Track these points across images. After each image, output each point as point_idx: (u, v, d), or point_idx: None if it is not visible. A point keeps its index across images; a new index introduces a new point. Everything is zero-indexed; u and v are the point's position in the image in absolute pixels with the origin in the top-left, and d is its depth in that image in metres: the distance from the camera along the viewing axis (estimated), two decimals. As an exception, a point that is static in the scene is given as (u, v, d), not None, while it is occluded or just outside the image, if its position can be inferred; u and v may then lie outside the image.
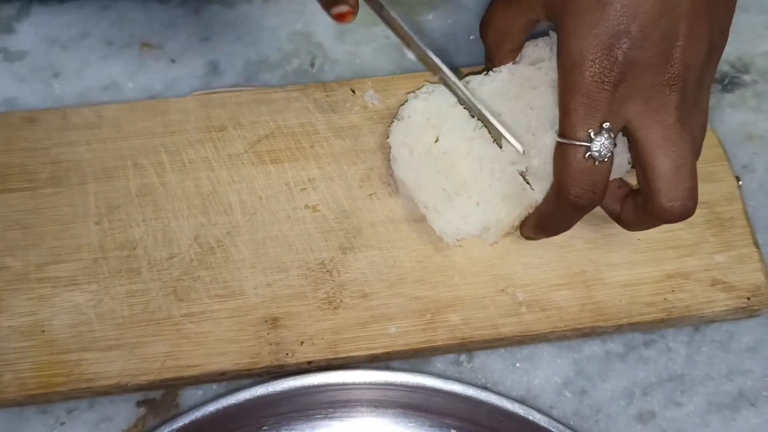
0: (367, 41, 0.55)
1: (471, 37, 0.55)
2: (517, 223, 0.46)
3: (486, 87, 0.47)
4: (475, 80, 0.47)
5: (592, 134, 0.40)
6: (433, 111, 0.47)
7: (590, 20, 0.39)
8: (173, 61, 0.54)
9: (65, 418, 0.44)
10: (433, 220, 0.45)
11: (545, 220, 0.43)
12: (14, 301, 0.45)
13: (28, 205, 0.47)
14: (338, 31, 0.55)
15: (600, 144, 0.40)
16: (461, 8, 0.56)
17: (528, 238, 0.46)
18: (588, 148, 0.40)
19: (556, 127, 0.42)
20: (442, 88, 0.47)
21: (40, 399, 0.43)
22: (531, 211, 0.45)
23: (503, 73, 0.47)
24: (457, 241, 0.45)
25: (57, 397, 0.43)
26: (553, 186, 0.42)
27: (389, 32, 0.56)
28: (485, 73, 0.47)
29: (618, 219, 0.44)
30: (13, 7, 0.56)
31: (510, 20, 0.45)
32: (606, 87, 0.39)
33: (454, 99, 0.47)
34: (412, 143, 0.46)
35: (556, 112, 0.42)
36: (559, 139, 0.41)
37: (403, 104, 0.48)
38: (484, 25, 0.47)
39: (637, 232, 0.46)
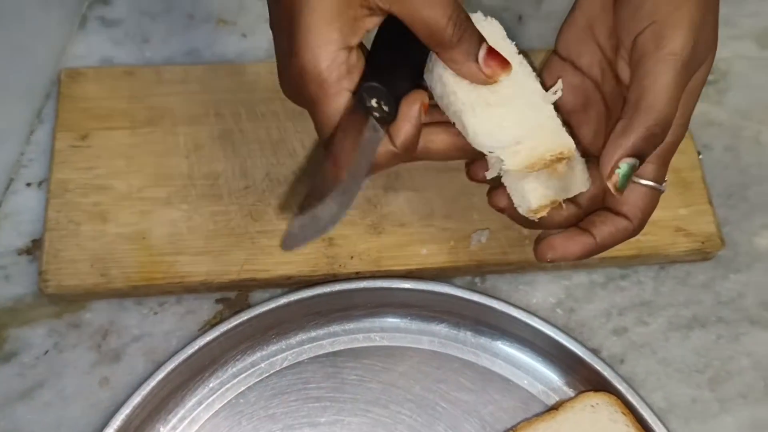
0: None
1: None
2: (547, 158, 0.44)
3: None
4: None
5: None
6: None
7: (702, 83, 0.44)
8: (244, 35, 0.65)
9: (157, 309, 0.55)
10: (467, 121, 0.43)
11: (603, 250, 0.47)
12: (120, 214, 0.55)
13: (129, 141, 0.58)
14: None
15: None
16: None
17: (551, 260, 0.46)
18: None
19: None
20: (493, 21, 0.45)
21: (140, 291, 0.54)
22: (564, 154, 0.44)
23: None
24: (489, 152, 0.44)
25: (153, 290, 0.54)
26: (625, 222, 0.46)
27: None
28: None
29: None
30: (109, -18, 0.67)
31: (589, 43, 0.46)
32: None
33: (503, 33, 0.45)
34: None
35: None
36: (659, 187, 0.46)
37: None
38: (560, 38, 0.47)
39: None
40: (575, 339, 0.53)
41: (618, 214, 0.46)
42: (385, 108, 0.41)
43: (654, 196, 0.46)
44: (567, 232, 0.47)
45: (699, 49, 0.43)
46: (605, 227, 0.46)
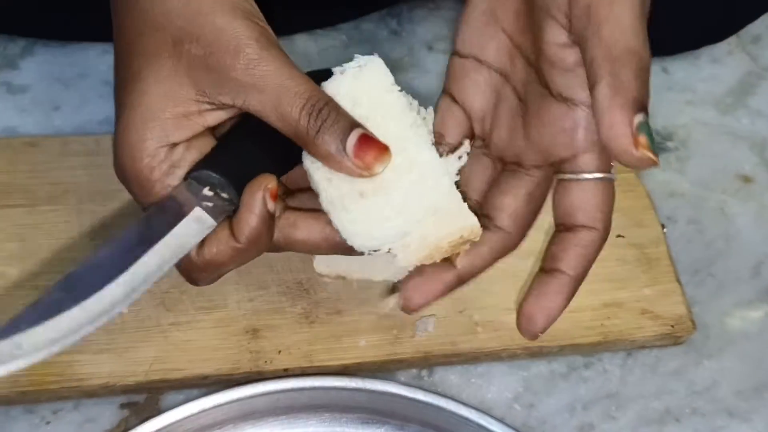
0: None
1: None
2: (445, 246, 0.38)
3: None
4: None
5: None
6: (361, 94, 0.38)
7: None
8: (166, 102, 0.60)
9: (51, 418, 0.47)
10: (338, 217, 0.37)
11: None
12: (10, 306, 0.47)
13: (26, 221, 0.51)
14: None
15: None
16: (425, 71, 0.64)
17: (543, 330, 0.40)
18: None
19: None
20: (376, 62, 0.38)
21: (30, 397, 0.46)
22: (465, 238, 0.38)
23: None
24: (368, 250, 0.38)
25: (45, 396, 0.46)
26: (588, 234, 0.39)
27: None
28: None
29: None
30: (18, 45, 0.61)
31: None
32: None
33: (390, 79, 0.38)
34: None
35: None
36: (609, 176, 0.39)
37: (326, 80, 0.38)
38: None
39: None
40: (536, 441, 0.47)
41: (576, 228, 0.39)
42: (225, 196, 0.37)
43: (607, 188, 0.39)
44: (537, 286, 0.40)
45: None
46: (571, 254, 0.39)
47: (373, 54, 0.38)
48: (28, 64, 0.60)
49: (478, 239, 0.39)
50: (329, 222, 0.38)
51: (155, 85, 0.37)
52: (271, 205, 0.37)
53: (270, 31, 0.38)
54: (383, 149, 0.37)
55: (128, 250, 0.35)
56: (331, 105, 0.37)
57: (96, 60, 0.61)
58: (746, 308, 0.56)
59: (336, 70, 0.38)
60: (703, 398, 0.52)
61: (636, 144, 0.34)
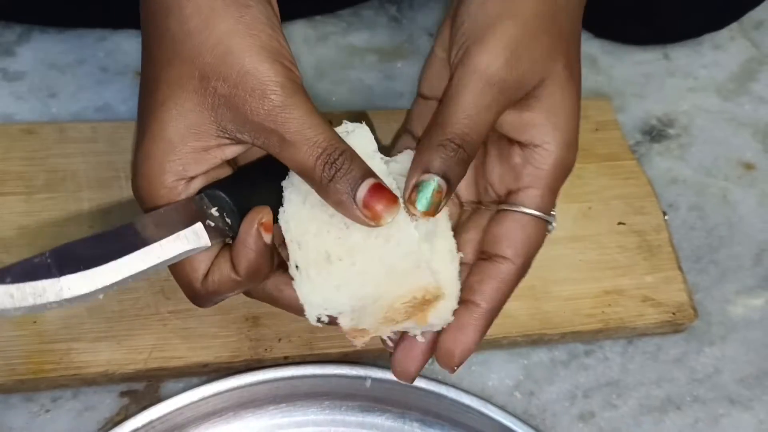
0: (343, 82, 0.61)
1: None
2: (399, 307, 0.37)
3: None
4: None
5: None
6: None
7: (574, 103, 0.41)
8: (164, 89, 0.59)
9: (50, 406, 0.46)
10: (300, 285, 0.38)
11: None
12: (7, 293, 0.47)
13: (23, 208, 0.50)
14: (317, 71, 0.61)
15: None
16: (425, 58, 0.63)
17: (459, 365, 0.40)
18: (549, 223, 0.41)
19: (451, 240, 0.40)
20: (362, 129, 0.40)
21: (28, 385, 0.46)
22: (422, 296, 0.37)
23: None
24: (319, 320, 0.39)
25: (44, 384, 0.46)
26: (504, 266, 0.40)
27: (362, 75, 0.62)
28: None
29: None
30: (14, 32, 0.60)
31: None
32: None
33: (373, 146, 0.39)
34: (307, 190, 0.38)
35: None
36: (543, 216, 0.40)
37: None
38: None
39: (579, 254, 0.53)
40: (536, 429, 0.47)
41: (496, 257, 0.40)
42: (228, 220, 0.37)
43: (536, 228, 0.40)
44: (456, 318, 0.39)
45: (520, 67, 0.39)
46: (487, 287, 0.40)
47: (361, 122, 0.40)
48: (24, 51, 0.60)
49: (442, 296, 0.38)
50: None
51: (178, 117, 0.37)
52: (267, 238, 0.37)
53: (296, 72, 0.38)
54: (392, 201, 0.37)
55: (113, 248, 0.35)
56: (346, 154, 0.37)
57: (93, 46, 0.60)
58: (748, 296, 0.55)
59: None
60: (705, 386, 0.51)
61: (410, 199, 0.38)
